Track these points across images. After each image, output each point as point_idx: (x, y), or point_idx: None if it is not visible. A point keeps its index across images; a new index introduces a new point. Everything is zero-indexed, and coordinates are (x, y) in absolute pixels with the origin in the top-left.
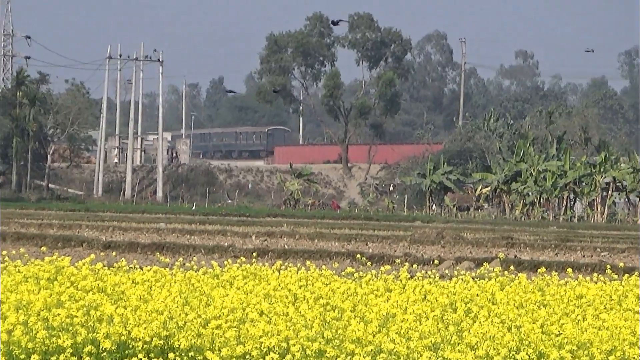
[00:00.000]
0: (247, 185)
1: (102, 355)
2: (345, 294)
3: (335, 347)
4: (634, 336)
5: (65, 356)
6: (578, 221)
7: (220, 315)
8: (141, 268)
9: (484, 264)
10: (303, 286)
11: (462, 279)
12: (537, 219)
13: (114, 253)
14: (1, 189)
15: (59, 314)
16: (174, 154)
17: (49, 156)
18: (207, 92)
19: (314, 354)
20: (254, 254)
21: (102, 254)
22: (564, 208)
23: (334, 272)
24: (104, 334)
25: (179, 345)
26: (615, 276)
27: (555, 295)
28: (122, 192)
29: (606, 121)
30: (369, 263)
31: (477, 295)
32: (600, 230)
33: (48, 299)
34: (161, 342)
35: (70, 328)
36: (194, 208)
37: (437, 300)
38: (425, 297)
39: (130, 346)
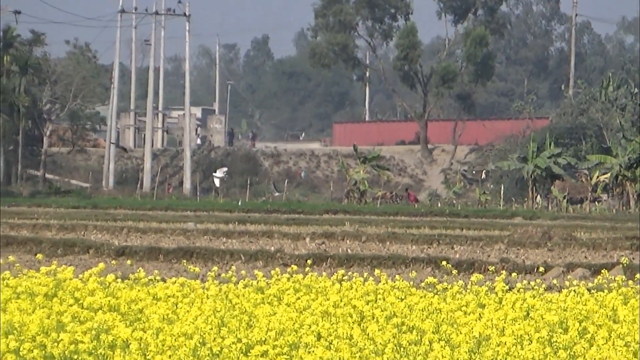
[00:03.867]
0: (299, 174)
1: None
2: (425, 311)
3: None
4: None
5: None
6: None
7: (266, 340)
8: (164, 280)
9: (603, 271)
10: (371, 302)
11: (574, 290)
12: None
13: (129, 261)
14: None
15: (60, 340)
16: (233, 135)
17: (45, 139)
18: (248, 55)
19: None
20: (309, 261)
21: (114, 262)
22: None
23: (411, 283)
24: None
25: None
26: None
27: None
28: (139, 184)
29: None
30: (455, 272)
31: (595, 311)
32: None
33: (46, 320)
34: None
35: (75, 357)
36: (240, 204)
37: (543, 319)
38: (527, 314)
39: None
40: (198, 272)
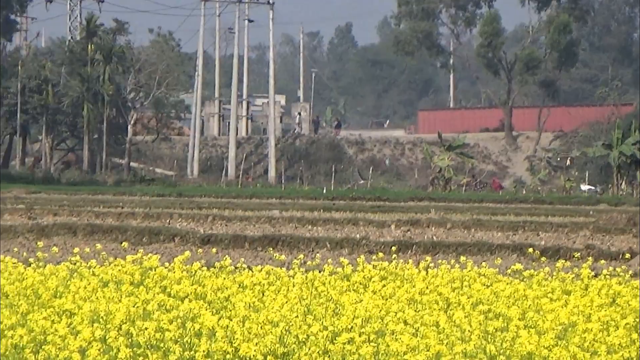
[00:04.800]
0: (383, 161)
1: None
2: (511, 298)
3: None
4: None
5: None
6: None
7: (352, 327)
8: (250, 268)
9: None
10: (457, 289)
11: None
12: None
13: (214, 249)
14: (70, 169)
15: (146, 328)
16: (318, 123)
17: (129, 127)
18: (331, 42)
19: None
20: (394, 249)
21: (199, 250)
22: None
23: (497, 270)
24: (203, 352)
25: None
26: None
27: None
28: (223, 172)
29: None
30: (541, 258)
31: None
32: None
33: (132, 308)
34: None
35: (161, 345)
36: (324, 191)
37: (629, 305)
38: (614, 300)
39: None
40: (284, 259)
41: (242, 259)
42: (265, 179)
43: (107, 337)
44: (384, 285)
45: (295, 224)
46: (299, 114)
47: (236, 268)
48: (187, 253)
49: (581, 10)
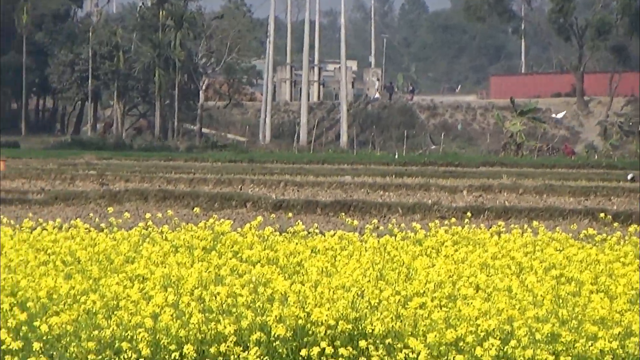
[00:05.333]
0: (455, 126)
1: (274, 344)
2: (583, 263)
3: (573, 330)
4: None
5: (228, 346)
6: None
7: (424, 292)
8: (322, 233)
9: None
10: (529, 253)
11: None
12: None
13: (287, 215)
14: (141, 135)
15: (218, 293)
16: (392, 88)
17: (201, 93)
18: (402, 8)
19: (545, 339)
20: (467, 214)
21: (272, 216)
22: None
23: (569, 235)
24: (276, 317)
25: (372, 330)
26: None
27: None
28: (295, 138)
29: None
30: (614, 223)
31: None
32: None
33: (204, 273)
34: (349, 326)
35: (233, 310)
36: (396, 156)
37: None
38: None
39: (310, 332)
40: (356, 224)
41: (315, 224)
42: (337, 145)
43: (179, 303)
44: (456, 250)
45: (367, 190)
46: (378, 80)
47: (308, 233)
48: (260, 218)
49: None
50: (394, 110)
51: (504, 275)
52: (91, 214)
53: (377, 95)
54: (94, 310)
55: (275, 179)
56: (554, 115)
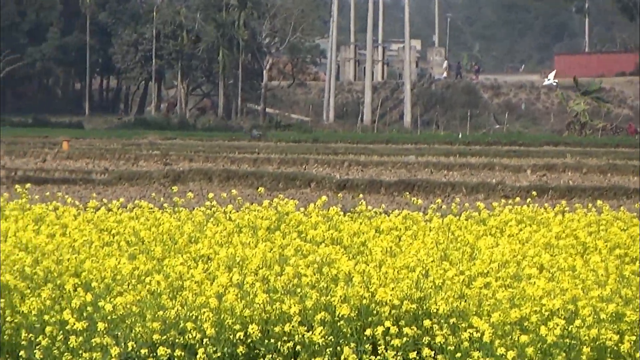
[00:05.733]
0: (519, 106)
1: (338, 323)
2: None
3: (637, 309)
4: None
5: (292, 325)
6: None
7: (488, 272)
8: (387, 213)
9: None
10: (594, 233)
11: None
12: None
13: (351, 195)
14: (205, 115)
15: (282, 273)
16: (459, 67)
17: (265, 73)
18: None
19: (609, 318)
20: (530, 193)
21: (337, 195)
22: None
23: (633, 214)
24: (340, 297)
25: (437, 310)
26: None
27: None
28: (359, 117)
29: None
30: None
31: None
32: None
33: (268, 253)
34: (414, 306)
35: (298, 290)
36: (460, 136)
37: None
38: None
39: (375, 312)
40: (420, 204)
41: (379, 204)
42: (400, 124)
43: (243, 283)
44: (520, 230)
45: (430, 169)
46: (446, 59)
47: (373, 213)
48: (324, 198)
49: None
50: (457, 90)
51: (568, 254)
52: (154, 194)
53: (445, 74)
54: (158, 291)
55: (339, 159)
56: (546, 81)
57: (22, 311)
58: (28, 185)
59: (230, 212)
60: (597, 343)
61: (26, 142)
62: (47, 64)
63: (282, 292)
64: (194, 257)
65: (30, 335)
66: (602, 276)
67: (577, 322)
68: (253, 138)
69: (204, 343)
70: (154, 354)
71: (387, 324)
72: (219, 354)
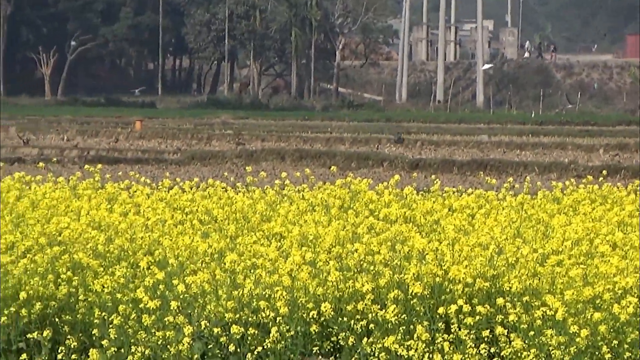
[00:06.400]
0: (591, 85)
1: (411, 301)
2: None
3: None
4: None
5: (365, 303)
6: None
7: (561, 250)
8: (460, 192)
9: None
10: None
11: None
12: None
13: (424, 174)
14: (278, 94)
15: (355, 251)
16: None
17: (337, 53)
18: None
19: None
20: (603, 172)
21: (413, 174)
22: None
23: None
24: (413, 275)
25: (510, 288)
26: None
27: None
28: (432, 97)
29: None
30: None
31: None
32: None
33: (341, 232)
34: (487, 284)
35: (371, 268)
36: (532, 116)
37: None
38: None
39: (448, 289)
40: (494, 183)
41: (452, 184)
42: (473, 104)
43: (316, 261)
44: (594, 209)
45: (503, 149)
46: (528, 40)
47: (446, 192)
48: (397, 177)
49: None
50: (530, 70)
51: None
52: (226, 174)
53: (527, 54)
54: (231, 269)
55: (412, 138)
56: (486, 65)
57: (95, 290)
58: (99, 165)
59: (303, 190)
60: None
61: (99, 122)
62: (120, 44)
63: (355, 270)
64: (267, 236)
65: (104, 313)
66: None
67: None
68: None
69: (277, 322)
70: (227, 333)
71: (460, 302)
72: (292, 333)
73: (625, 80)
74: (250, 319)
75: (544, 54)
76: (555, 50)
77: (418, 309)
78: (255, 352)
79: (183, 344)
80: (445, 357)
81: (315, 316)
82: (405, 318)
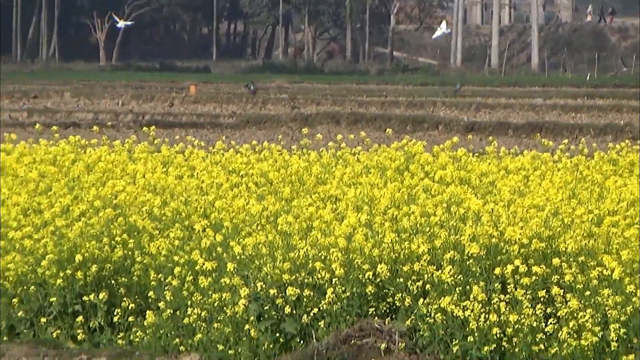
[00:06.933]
0: None
1: (467, 262)
2: None
3: None
4: None
5: (421, 264)
6: None
7: (617, 210)
8: (515, 154)
9: None
10: None
11: None
12: None
13: (479, 137)
14: (332, 58)
15: (411, 212)
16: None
17: (392, 16)
18: None
19: None
20: None
21: (469, 136)
22: None
23: None
24: (469, 236)
25: (566, 248)
26: None
27: None
28: (486, 60)
29: None
30: None
31: None
32: None
33: (397, 194)
34: (542, 244)
35: (427, 230)
36: (588, 78)
37: None
38: None
39: (504, 250)
40: (550, 145)
41: (507, 146)
42: (528, 67)
43: (372, 223)
44: None
45: (558, 111)
46: (591, 4)
47: (501, 154)
48: (454, 139)
49: None
50: (584, 33)
51: None
52: (280, 137)
53: (589, 18)
54: (287, 231)
55: (467, 101)
56: (438, 31)
57: (151, 252)
58: (152, 127)
59: (358, 153)
60: None
61: (153, 87)
62: (174, 9)
63: (411, 232)
64: (322, 198)
65: (160, 275)
66: None
67: None
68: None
69: (333, 283)
70: (283, 295)
71: (517, 262)
72: (347, 294)
73: None
74: (306, 280)
75: (605, 17)
76: (614, 13)
77: (474, 269)
78: (311, 314)
79: (239, 306)
80: (502, 317)
81: (371, 277)
82: (462, 279)
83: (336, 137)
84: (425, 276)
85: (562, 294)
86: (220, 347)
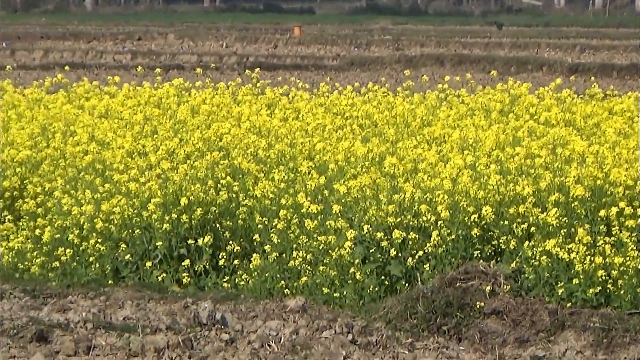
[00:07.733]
0: None
1: (572, 204)
2: None
3: None
4: None
5: (526, 207)
6: None
7: None
8: (619, 95)
9: None
10: None
11: None
12: None
13: (583, 78)
14: (437, 0)
15: (516, 154)
16: None
17: None
18: None
19: None
20: None
21: (571, 78)
22: None
23: None
24: (574, 177)
25: None
26: None
27: None
28: (590, 1)
29: None
30: None
31: None
32: None
33: (501, 135)
34: None
35: (531, 172)
36: None
37: None
38: None
39: (609, 192)
40: None
41: (612, 87)
42: (632, 8)
43: (477, 164)
44: None
45: None
46: None
47: (606, 95)
48: (558, 80)
49: None
50: None
51: None
52: (384, 79)
53: None
54: (392, 174)
55: (571, 43)
56: None
57: (256, 195)
58: (257, 70)
59: (463, 95)
60: None
61: (257, 29)
62: None
63: (516, 174)
64: (427, 140)
65: (264, 218)
66: None
67: None
68: None
69: (438, 225)
70: (389, 237)
71: (622, 204)
72: (453, 237)
73: None
74: (411, 223)
75: None
76: None
77: (579, 211)
78: (416, 257)
79: (344, 249)
80: (607, 259)
81: (476, 220)
82: (566, 221)
83: (440, 79)
84: (530, 218)
85: None
86: (326, 290)
